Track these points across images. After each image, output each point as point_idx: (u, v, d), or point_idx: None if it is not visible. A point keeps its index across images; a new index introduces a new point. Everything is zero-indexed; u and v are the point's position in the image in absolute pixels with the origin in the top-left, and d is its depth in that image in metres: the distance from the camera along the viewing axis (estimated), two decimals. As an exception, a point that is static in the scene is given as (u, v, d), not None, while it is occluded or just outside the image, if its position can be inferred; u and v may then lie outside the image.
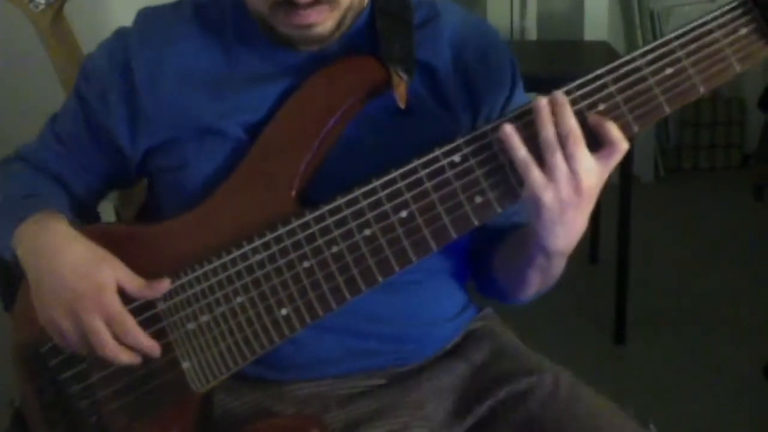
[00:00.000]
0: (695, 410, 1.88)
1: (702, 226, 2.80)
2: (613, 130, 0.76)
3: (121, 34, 0.95)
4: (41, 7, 1.29)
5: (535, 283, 0.89)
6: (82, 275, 0.85)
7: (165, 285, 0.86)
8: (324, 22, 0.85)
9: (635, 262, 2.16)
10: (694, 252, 2.63)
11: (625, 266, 2.14)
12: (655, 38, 3.70)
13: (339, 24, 0.86)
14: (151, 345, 0.85)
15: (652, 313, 2.29)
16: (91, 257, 0.87)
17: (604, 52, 2.47)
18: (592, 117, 0.77)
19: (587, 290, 2.33)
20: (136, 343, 0.85)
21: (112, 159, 0.96)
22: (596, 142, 0.77)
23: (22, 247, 0.90)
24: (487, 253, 0.95)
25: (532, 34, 3.04)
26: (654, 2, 3.13)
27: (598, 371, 2.06)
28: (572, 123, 0.76)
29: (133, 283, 0.86)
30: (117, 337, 0.85)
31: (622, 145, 0.76)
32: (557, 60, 2.48)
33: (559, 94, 0.77)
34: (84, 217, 0.96)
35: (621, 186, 2.10)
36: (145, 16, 0.95)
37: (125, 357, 0.85)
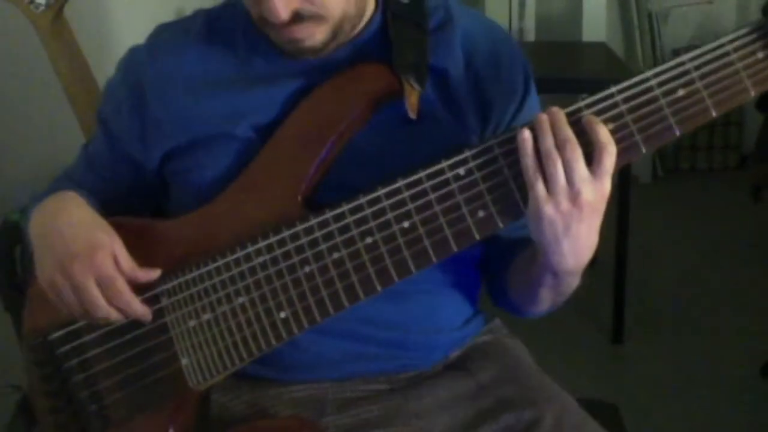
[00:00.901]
0: (693, 409, 1.89)
1: (700, 227, 2.81)
2: (601, 132, 0.75)
3: (132, 50, 0.97)
4: (41, 8, 1.29)
5: (546, 300, 0.89)
6: (80, 236, 0.87)
7: (155, 274, 0.87)
8: (312, 36, 0.85)
9: (633, 263, 2.17)
10: (692, 252, 2.64)
11: (623, 266, 2.14)
12: (653, 40, 3.71)
13: (334, 35, 0.86)
14: (140, 309, 0.86)
15: (650, 313, 2.30)
16: (92, 222, 0.90)
17: (602, 54, 2.48)
18: (587, 117, 0.76)
19: (586, 290, 2.33)
20: (127, 305, 0.86)
21: (133, 173, 0.97)
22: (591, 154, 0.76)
23: (34, 218, 0.92)
24: (500, 267, 0.94)
25: (531, 36, 3.05)
26: (652, 3, 3.14)
27: (597, 370, 2.07)
28: (569, 132, 0.75)
29: (126, 259, 0.87)
30: (109, 299, 0.86)
31: (610, 147, 0.75)
32: (556, 61, 2.49)
33: (555, 108, 0.77)
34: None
35: (619, 186, 2.11)
36: (156, 30, 0.98)
37: (115, 316, 0.86)
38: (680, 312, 2.31)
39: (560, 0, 3.13)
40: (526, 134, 0.77)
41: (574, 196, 0.75)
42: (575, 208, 0.75)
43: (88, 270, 0.85)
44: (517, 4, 3.01)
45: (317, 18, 0.84)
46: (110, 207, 0.96)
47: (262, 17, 0.84)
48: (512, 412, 0.89)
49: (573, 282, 0.85)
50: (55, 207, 0.92)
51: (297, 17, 0.83)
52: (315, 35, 0.85)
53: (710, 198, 3.04)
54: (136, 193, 0.99)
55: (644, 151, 0.78)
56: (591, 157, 0.76)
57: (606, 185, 0.76)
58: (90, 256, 0.85)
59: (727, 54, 0.77)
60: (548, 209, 0.76)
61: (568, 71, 2.29)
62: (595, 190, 0.76)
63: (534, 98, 0.94)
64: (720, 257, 2.59)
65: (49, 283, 0.87)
